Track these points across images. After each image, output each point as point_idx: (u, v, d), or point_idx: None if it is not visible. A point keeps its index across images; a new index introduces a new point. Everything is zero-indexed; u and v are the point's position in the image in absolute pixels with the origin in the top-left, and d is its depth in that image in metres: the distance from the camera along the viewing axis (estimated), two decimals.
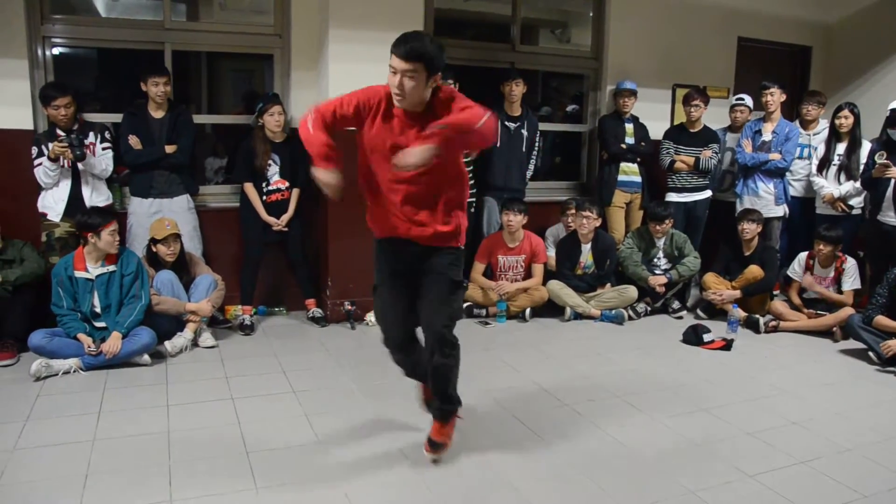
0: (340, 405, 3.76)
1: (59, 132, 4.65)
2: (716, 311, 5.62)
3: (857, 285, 5.33)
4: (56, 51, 5.10)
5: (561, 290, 5.50)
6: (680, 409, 3.79)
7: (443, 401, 3.15)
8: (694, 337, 4.99)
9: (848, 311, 5.08)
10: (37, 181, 4.70)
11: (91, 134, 4.76)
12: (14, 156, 4.75)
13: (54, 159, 4.58)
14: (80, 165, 4.67)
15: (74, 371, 4.17)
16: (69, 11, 5.57)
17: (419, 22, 5.23)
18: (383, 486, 2.94)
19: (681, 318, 5.66)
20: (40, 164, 4.65)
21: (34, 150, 4.67)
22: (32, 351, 4.20)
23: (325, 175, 2.77)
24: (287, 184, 5.15)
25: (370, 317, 5.27)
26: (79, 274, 4.33)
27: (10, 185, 4.77)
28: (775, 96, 5.88)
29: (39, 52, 4.92)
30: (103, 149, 4.80)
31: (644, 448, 3.30)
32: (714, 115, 6.27)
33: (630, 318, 5.54)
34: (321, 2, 5.23)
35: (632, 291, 5.58)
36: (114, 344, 4.23)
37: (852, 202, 5.68)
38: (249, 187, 5.09)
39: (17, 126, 4.82)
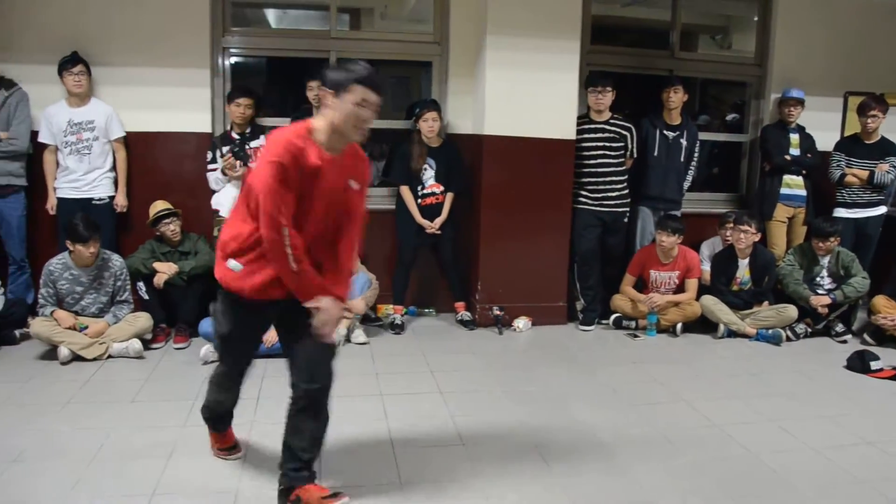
0: (486, 409, 3.81)
1: (234, 134, 5.02)
2: (885, 338, 5.20)
3: None
4: (232, 60, 5.49)
5: (715, 306, 5.31)
6: (841, 440, 3.55)
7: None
8: (860, 364, 4.66)
9: None
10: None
11: (262, 137, 5.09)
12: (195, 156, 5.16)
13: (224, 173, 4.97)
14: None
15: None
16: (245, 24, 5.99)
17: (576, 29, 5.21)
18: (522, 491, 2.96)
19: (845, 342, 5.29)
20: (214, 168, 5.04)
21: (209, 155, 5.06)
22: (202, 336, 4.58)
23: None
24: (441, 188, 5.27)
25: (518, 323, 5.31)
26: None
27: (191, 182, 5.19)
28: None
29: (219, 61, 5.33)
30: None
31: (799, 479, 3.11)
32: (892, 125, 5.83)
33: (788, 339, 5.25)
34: (479, 10, 5.31)
35: (791, 311, 5.29)
36: (273, 335, 4.48)
37: None
38: (405, 190, 5.24)
39: (197, 129, 5.24)
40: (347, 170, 2.66)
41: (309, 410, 2.70)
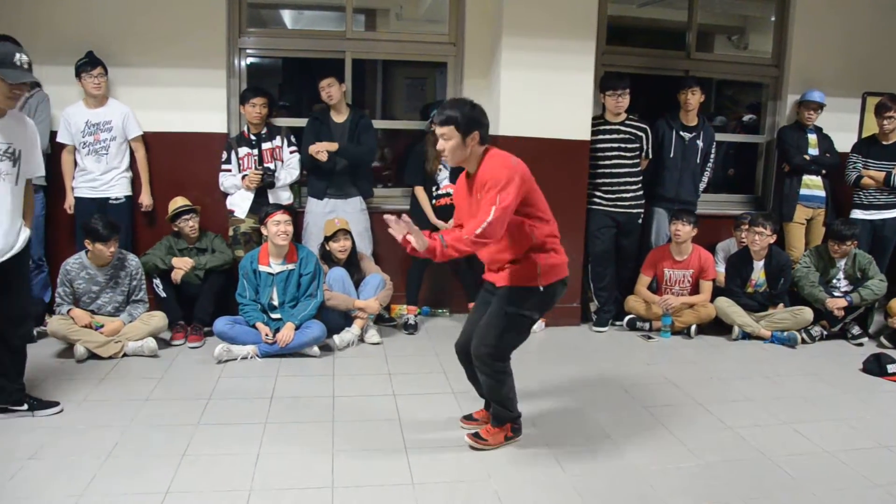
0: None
1: (250, 135, 5.05)
2: None
3: None
4: (248, 61, 5.52)
5: (729, 308, 5.28)
6: (857, 443, 3.52)
7: (494, 404, 3.38)
8: (876, 367, 4.62)
9: None
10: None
11: (277, 137, 5.12)
12: (211, 156, 5.17)
13: (248, 186, 5.00)
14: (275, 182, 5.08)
15: (251, 357, 4.50)
16: (261, 25, 6.02)
17: (592, 30, 5.20)
18: (533, 489, 2.98)
19: (861, 345, 5.24)
20: (228, 169, 5.07)
21: (224, 155, 5.09)
22: (216, 335, 4.58)
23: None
24: None
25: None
26: (262, 268, 4.68)
27: (207, 182, 5.21)
28: None
29: (235, 62, 5.36)
30: (290, 152, 5.15)
31: (814, 482, 3.09)
32: None
33: (803, 342, 5.21)
34: (495, 10, 5.31)
35: (807, 313, 5.24)
36: (287, 334, 4.52)
37: None
38: (420, 191, 5.25)
39: (213, 130, 5.27)
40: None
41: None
